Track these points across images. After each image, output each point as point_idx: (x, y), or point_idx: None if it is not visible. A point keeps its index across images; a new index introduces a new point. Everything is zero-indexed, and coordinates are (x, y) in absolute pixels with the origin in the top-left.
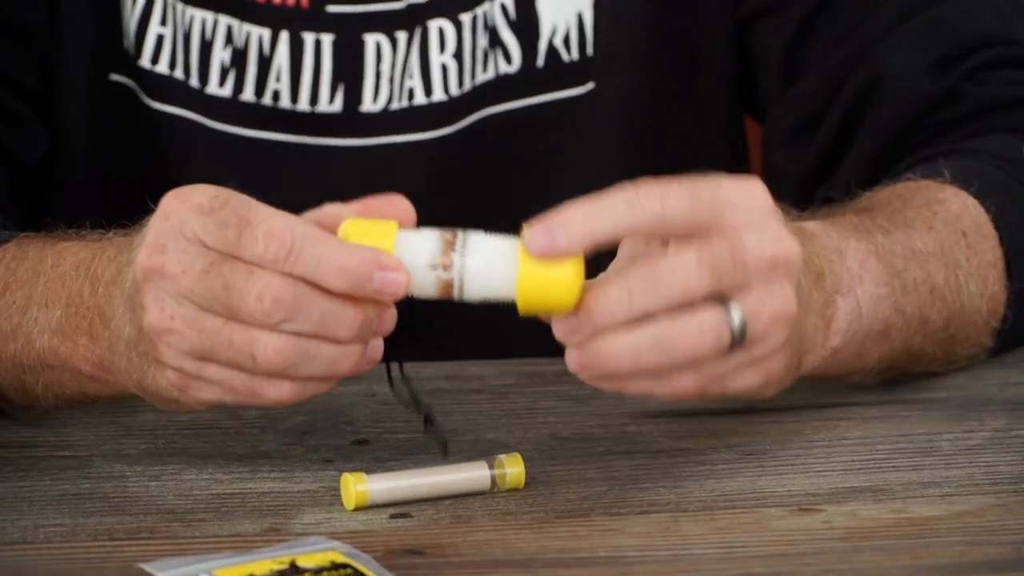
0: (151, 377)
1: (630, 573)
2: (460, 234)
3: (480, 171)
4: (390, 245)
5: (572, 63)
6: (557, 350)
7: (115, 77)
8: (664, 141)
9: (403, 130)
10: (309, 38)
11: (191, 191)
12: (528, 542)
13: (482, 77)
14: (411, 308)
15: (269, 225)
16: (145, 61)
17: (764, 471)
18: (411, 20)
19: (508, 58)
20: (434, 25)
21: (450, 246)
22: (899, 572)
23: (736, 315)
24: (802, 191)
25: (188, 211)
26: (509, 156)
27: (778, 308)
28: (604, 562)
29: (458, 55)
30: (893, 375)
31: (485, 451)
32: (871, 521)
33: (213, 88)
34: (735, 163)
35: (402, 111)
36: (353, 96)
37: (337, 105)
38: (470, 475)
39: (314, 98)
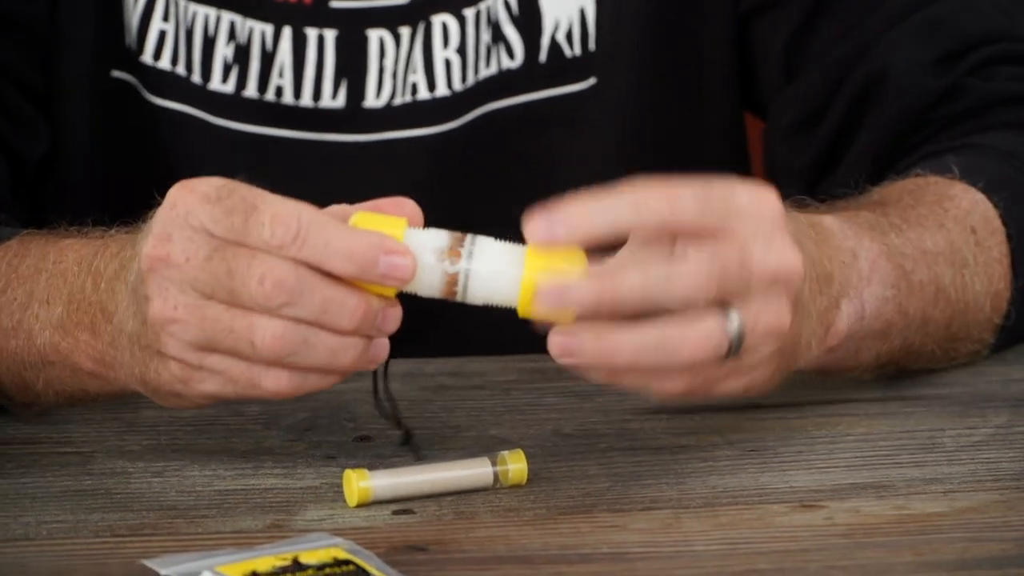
0: (153, 371)
1: (633, 569)
2: (469, 236)
3: (483, 166)
4: (399, 236)
5: (574, 58)
6: None
7: (117, 74)
8: (665, 136)
9: (406, 125)
10: (312, 34)
11: (197, 182)
12: (531, 538)
13: (485, 72)
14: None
15: (275, 210)
16: (147, 57)
17: (767, 467)
18: (414, 15)
19: (511, 53)
20: (437, 20)
21: (459, 243)
22: (901, 568)
23: (735, 325)
24: (803, 187)
25: (194, 200)
26: (512, 151)
27: (772, 322)
28: (607, 558)
29: (461, 50)
30: (891, 371)
31: (488, 447)
32: (874, 517)
33: (216, 84)
34: (736, 158)
35: (405, 106)
36: (356, 92)
37: (340, 101)
38: (473, 471)
39: (317, 94)
